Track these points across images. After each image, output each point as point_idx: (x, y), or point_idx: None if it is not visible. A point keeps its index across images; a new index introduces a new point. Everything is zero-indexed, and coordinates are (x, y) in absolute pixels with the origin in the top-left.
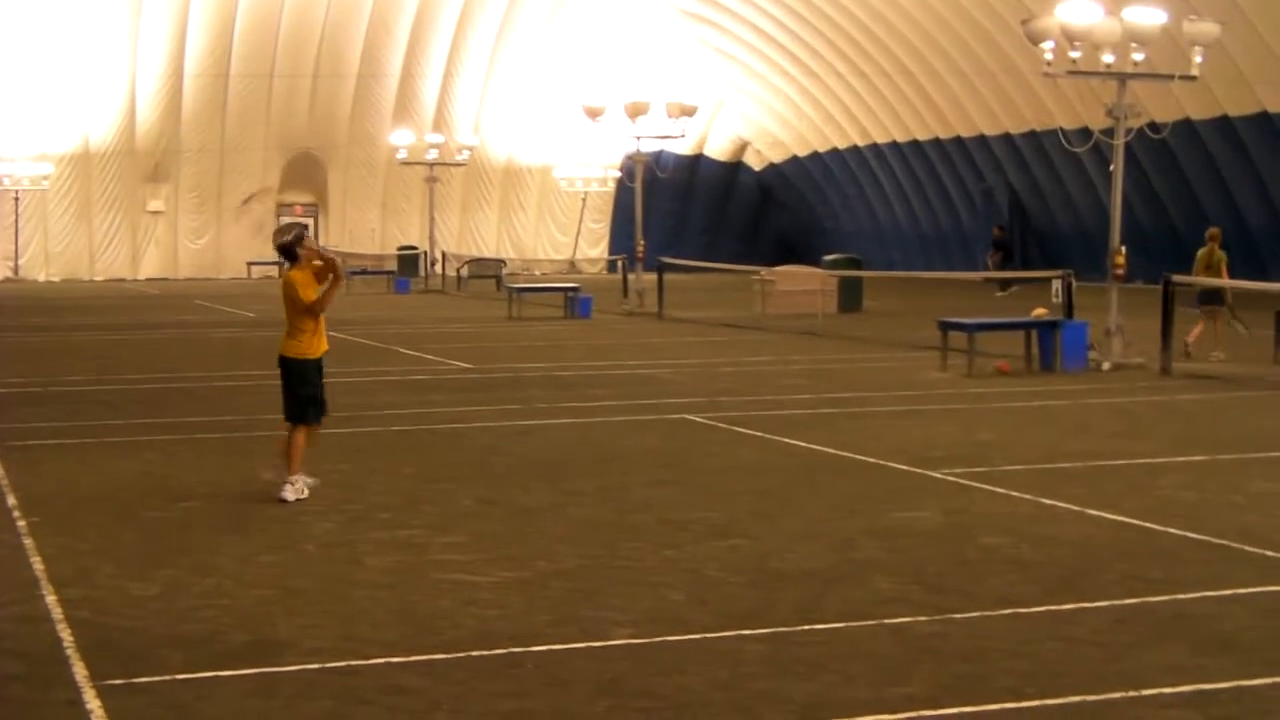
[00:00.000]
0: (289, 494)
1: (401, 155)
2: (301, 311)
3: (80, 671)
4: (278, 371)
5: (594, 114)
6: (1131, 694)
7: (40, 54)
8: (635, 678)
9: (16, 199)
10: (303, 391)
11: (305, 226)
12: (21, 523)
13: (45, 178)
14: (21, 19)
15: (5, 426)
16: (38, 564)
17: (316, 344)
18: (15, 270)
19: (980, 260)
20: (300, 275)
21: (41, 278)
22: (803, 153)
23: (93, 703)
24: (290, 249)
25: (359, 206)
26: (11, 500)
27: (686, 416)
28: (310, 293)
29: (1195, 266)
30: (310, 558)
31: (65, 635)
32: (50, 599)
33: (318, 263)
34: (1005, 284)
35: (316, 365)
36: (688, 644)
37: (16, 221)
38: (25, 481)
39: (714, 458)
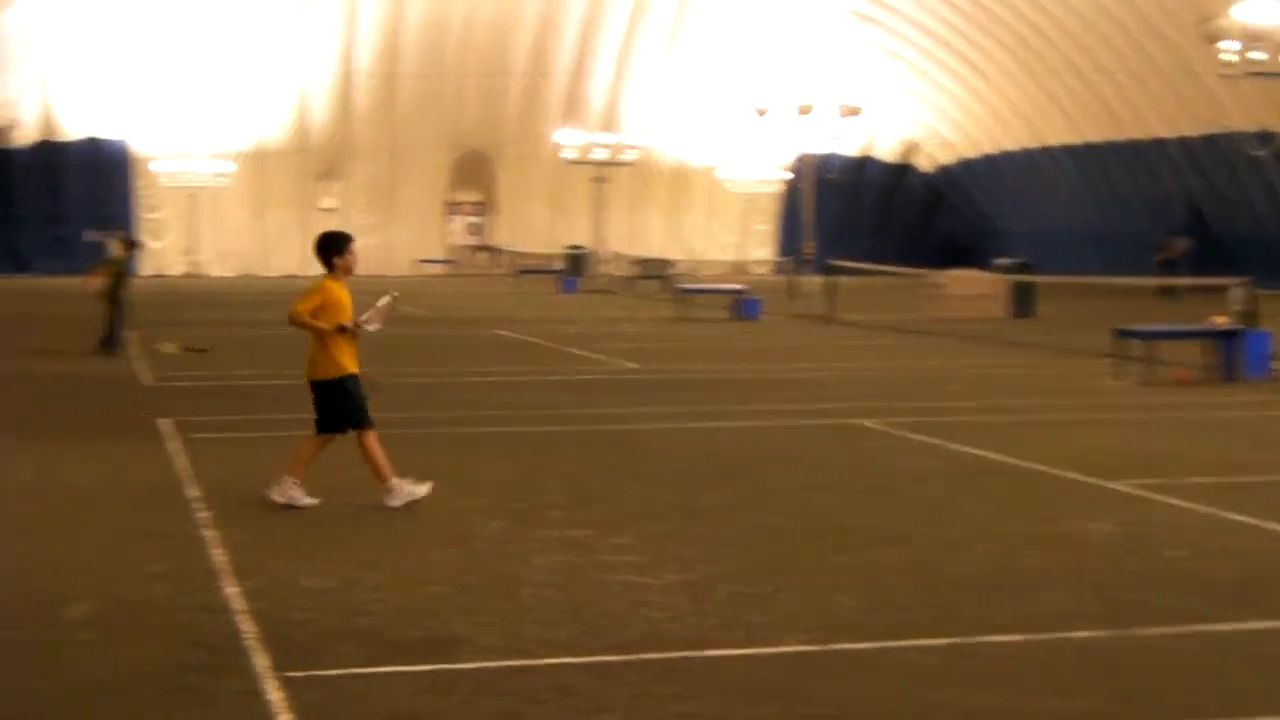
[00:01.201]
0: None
1: (569, 154)
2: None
3: (260, 662)
4: (439, 369)
5: (763, 115)
6: None
7: (218, 54)
8: (805, 684)
9: (194, 196)
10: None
11: (351, 239)
12: (202, 514)
13: (222, 175)
14: (199, 20)
15: (187, 419)
16: (218, 555)
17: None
18: (193, 265)
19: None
20: (333, 286)
21: (216, 273)
22: (973, 154)
23: (273, 694)
24: (326, 254)
25: (528, 205)
26: (194, 491)
27: (854, 421)
28: (307, 303)
29: None
30: (480, 555)
31: (245, 626)
32: (230, 590)
33: (352, 325)
34: (1170, 291)
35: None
36: (859, 652)
37: (194, 218)
38: (205, 473)
39: (882, 463)
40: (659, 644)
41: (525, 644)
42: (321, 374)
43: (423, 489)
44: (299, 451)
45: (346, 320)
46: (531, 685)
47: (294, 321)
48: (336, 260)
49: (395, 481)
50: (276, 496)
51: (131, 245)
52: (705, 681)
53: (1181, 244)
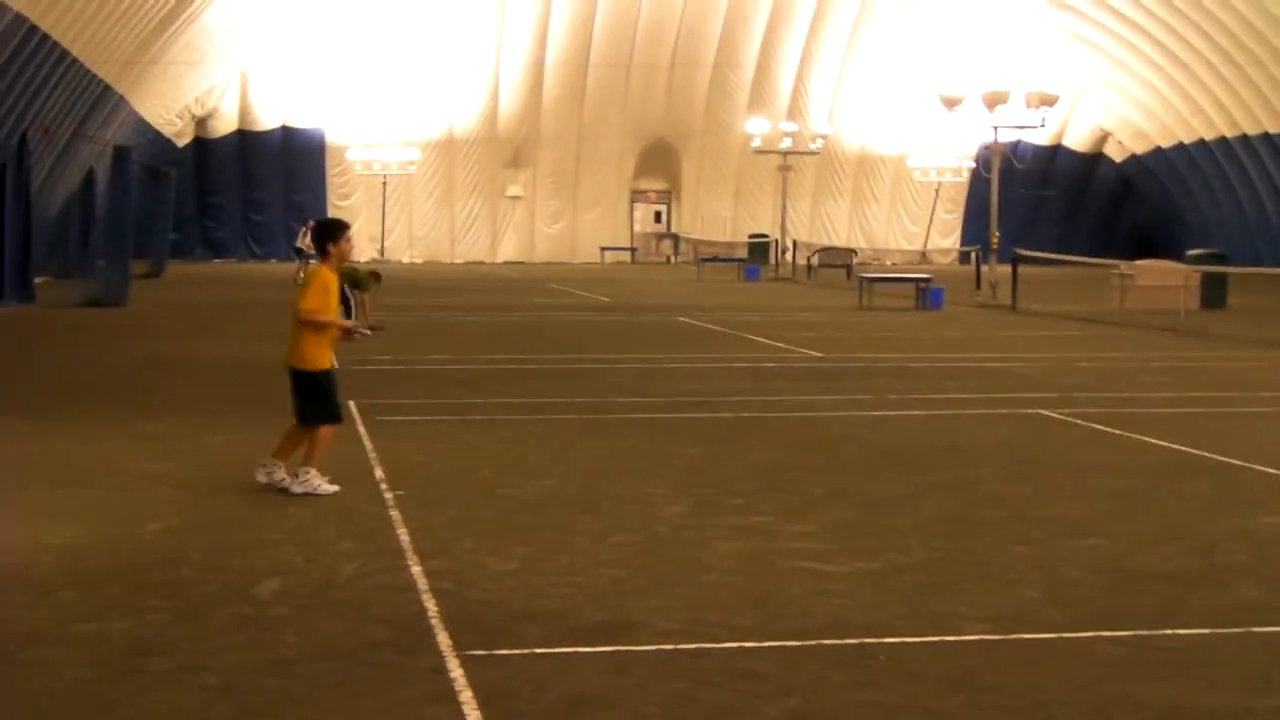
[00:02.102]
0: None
1: (755, 144)
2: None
3: (444, 640)
4: (622, 355)
5: (951, 103)
6: None
7: (409, 44)
8: (988, 674)
9: (384, 183)
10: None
11: (347, 227)
12: (388, 495)
13: (412, 163)
14: (393, 10)
15: (373, 401)
16: (403, 535)
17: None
18: (381, 251)
19: None
20: (326, 273)
21: (405, 259)
22: (1167, 144)
23: (455, 671)
24: (321, 241)
25: (712, 194)
26: (379, 473)
27: (1040, 411)
28: (314, 299)
29: None
30: (661, 540)
31: (429, 605)
32: (415, 569)
33: (345, 324)
34: None
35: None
36: (1043, 642)
37: (384, 205)
38: (391, 455)
39: (1068, 454)
40: (841, 630)
41: (704, 628)
42: (308, 364)
43: (330, 489)
44: (302, 443)
45: (333, 308)
46: (709, 668)
47: (305, 320)
48: (331, 247)
49: (314, 472)
50: (296, 487)
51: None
52: (887, 669)
53: None
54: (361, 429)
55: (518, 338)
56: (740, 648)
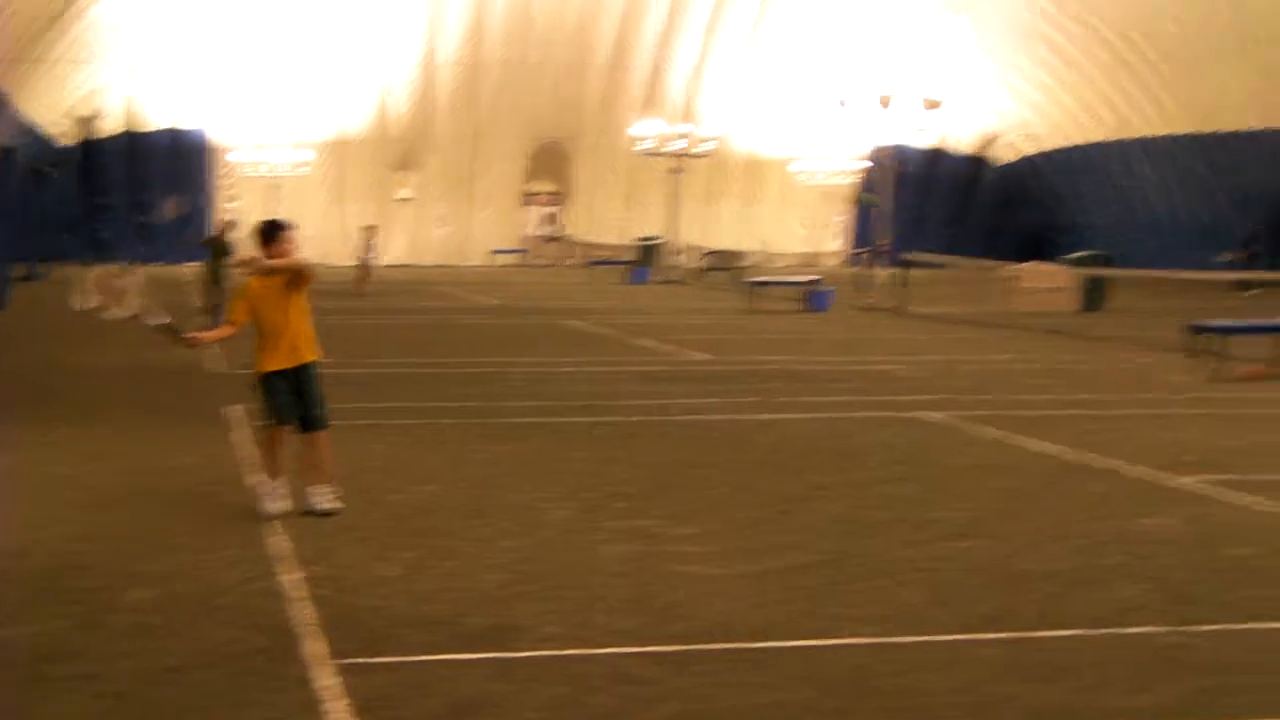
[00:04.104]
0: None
1: (645, 145)
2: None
3: (321, 648)
4: (509, 359)
5: (841, 106)
6: None
7: (301, 44)
8: (873, 676)
9: (274, 185)
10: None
11: (282, 229)
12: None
13: (304, 164)
14: (283, 10)
15: (257, 407)
16: (284, 541)
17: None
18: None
19: (1224, 257)
20: (254, 279)
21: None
22: (1056, 146)
23: (332, 679)
24: (258, 243)
25: (603, 197)
26: (260, 477)
27: (926, 414)
28: (239, 311)
29: None
30: (548, 544)
31: (308, 612)
32: (295, 576)
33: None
34: (1246, 285)
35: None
36: (927, 644)
37: (273, 207)
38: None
39: (953, 456)
40: (726, 634)
41: (589, 632)
42: (255, 366)
43: (280, 506)
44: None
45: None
46: (593, 673)
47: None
48: (264, 250)
49: (273, 484)
50: (322, 504)
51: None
52: (768, 672)
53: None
54: (240, 435)
55: (406, 341)
56: (624, 652)
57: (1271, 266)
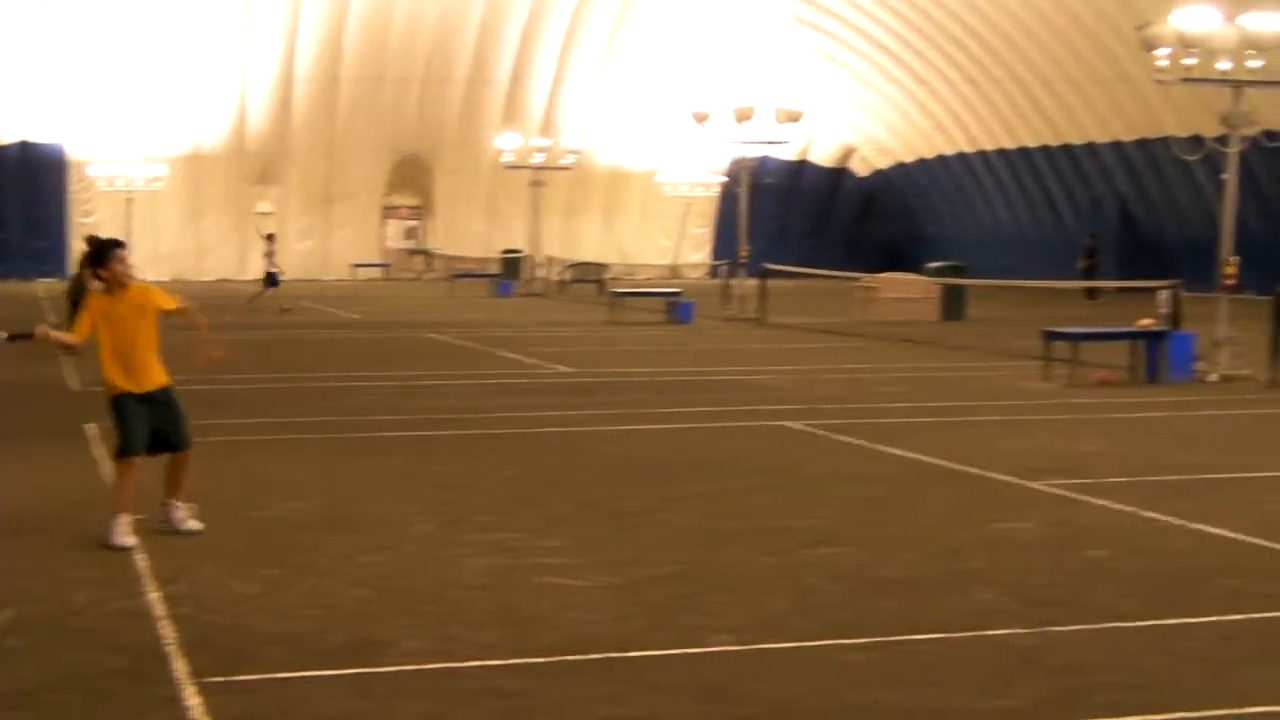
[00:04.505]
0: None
1: (506, 159)
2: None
3: (181, 668)
4: (372, 373)
5: (701, 119)
6: (1236, 711)
7: (156, 57)
8: (734, 684)
9: (129, 200)
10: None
11: (116, 247)
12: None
13: (159, 179)
14: (138, 23)
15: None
16: (141, 560)
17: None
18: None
19: (1071, 268)
20: (99, 299)
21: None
22: (911, 159)
23: (193, 699)
24: (98, 258)
25: (465, 210)
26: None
27: (787, 423)
28: (81, 327)
29: None
30: (410, 558)
31: (167, 632)
32: (153, 595)
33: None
34: (1092, 293)
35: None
36: (787, 652)
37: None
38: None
39: (814, 465)
40: (587, 646)
41: (451, 646)
42: (107, 387)
43: (129, 541)
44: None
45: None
46: (457, 688)
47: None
48: (101, 273)
49: (124, 518)
50: (185, 524)
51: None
52: (633, 682)
53: (1090, 260)
54: (100, 452)
55: (266, 356)
56: (487, 665)
57: (1117, 274)
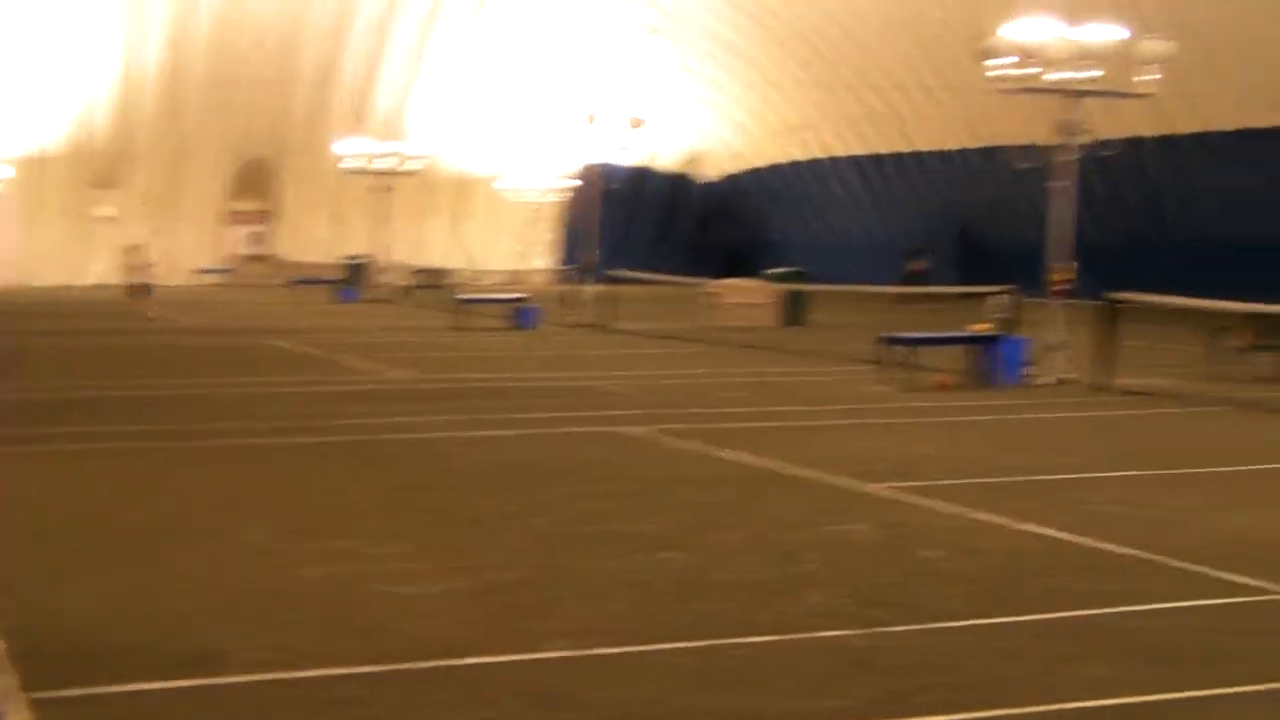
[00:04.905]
0: None
1: (352, 164)
2: None
3: (11, 682)
4: (215, 380)
5: (548, 125)
6: (1055, 707)
7: None
8: (569, 690)
9: None
10: None
11: None
12: None
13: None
14: None
15: None
16: None
17: None
18: None
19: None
20: None
21: None
22: (757, 165)
23: (22, 714)
24: None
25: (310, 215)
26: None
27: (629, 428)
28: None
29: None
30: (248, 567)
31: None
32: None
33: None
34: (907, 298)
35: None
36: (623, 656)
37: None
38: None
39: (655, 470)
40: (428, 652)
41: (290, 656)
42: None
43: None
44: None
45: None
46: (296, 697)
47: None
48: None
49: None
50: None
51: None
52: (472, 688)
53: (921, 263)
54: None
55: (106, 363)
56: (326, 674)
57: (956, 280)
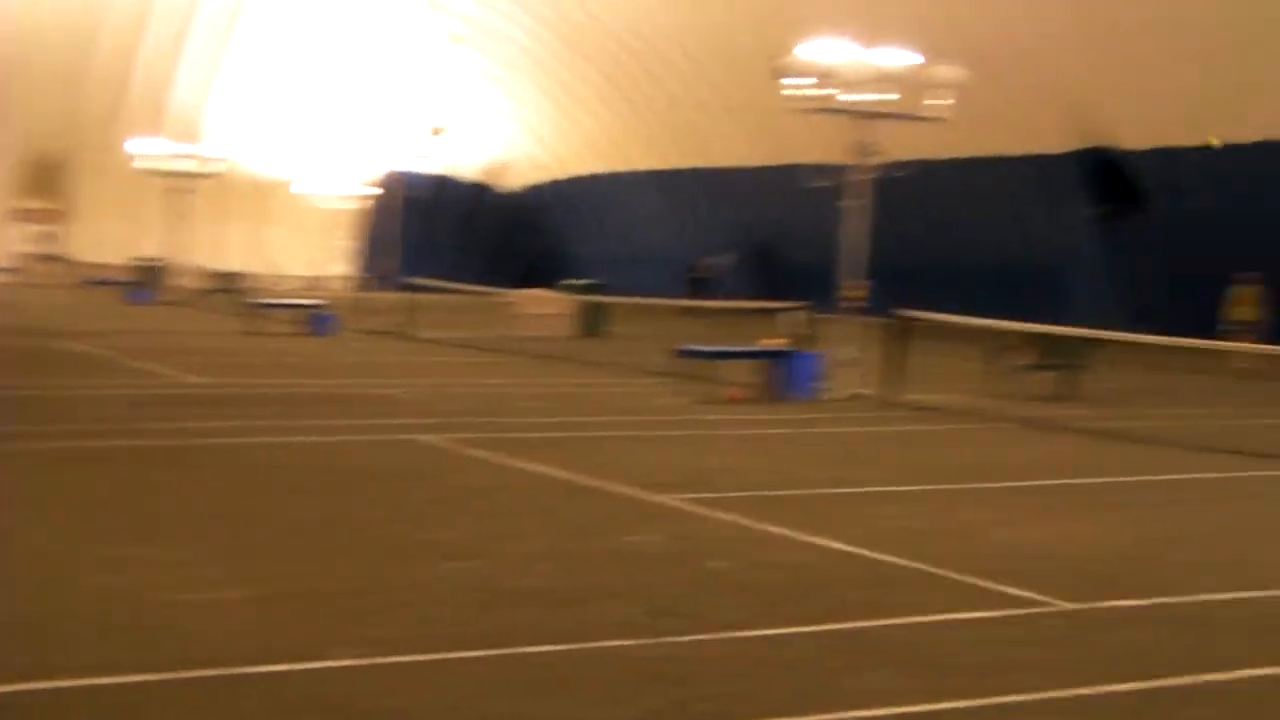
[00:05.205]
0: None
1: (148, 164)
2: None
3: None
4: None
5: (350, 130)
6: (834, 715)
7: None
8: (358, 699)
9: None
10: None
11: None
12: None
13: None
14: None
15: None
16: None
17: None
18: None
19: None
20: None
21: None
22: (559, 177)
23: None
24: None
25: (104, 215)
26: None
27: (421, 437)
28: None
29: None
30: (19, 577)
31: None
32: None
33: None
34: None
35: None
36: (413, 665)
37: None
38: None
39: (448, 479)
40: (208, 662)
41: (59, 666)
42: None
43: None
44: None
45: None
46: (62, 707)
47: None
48: None
49: None
50: None
51: None
52: (256, 698)
53: (718, 264)
54: None
55: None
56: (96, 684)
57: (755, 294)
